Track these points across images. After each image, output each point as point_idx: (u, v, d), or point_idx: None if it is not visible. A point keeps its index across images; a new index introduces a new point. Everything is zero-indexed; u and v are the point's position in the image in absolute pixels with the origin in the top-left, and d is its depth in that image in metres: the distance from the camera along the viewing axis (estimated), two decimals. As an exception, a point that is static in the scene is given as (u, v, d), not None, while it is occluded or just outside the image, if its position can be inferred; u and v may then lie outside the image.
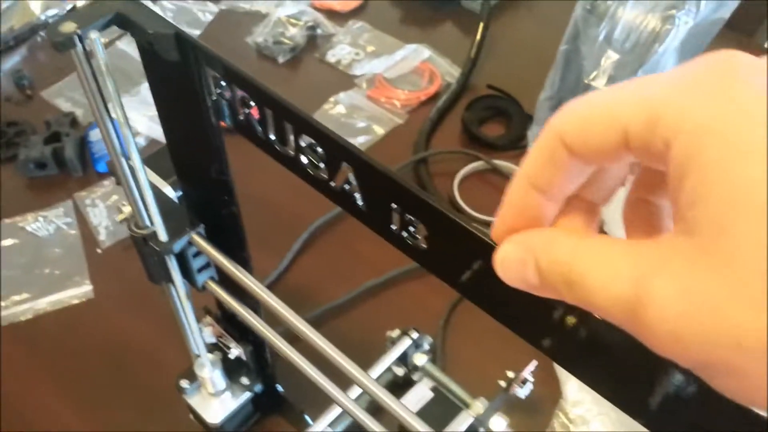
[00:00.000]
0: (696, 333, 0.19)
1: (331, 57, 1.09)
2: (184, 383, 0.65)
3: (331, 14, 1.16)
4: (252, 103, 0.38)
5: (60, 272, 0.82)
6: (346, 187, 0.36)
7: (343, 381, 0.48)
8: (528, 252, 0.24)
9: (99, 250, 0.85)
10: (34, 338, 0.78)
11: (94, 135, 0.92)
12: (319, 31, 1.12)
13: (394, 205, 0.34)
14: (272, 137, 0.38)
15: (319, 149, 0.35)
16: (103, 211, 0.87)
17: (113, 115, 0.41)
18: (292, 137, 0.37)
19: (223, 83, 0.39)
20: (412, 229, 0.34)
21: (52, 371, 0.76)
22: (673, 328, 0.19)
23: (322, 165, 0.36)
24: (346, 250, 0.86)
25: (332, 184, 0.36)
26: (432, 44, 1.10)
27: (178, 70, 0.39)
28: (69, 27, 0.37)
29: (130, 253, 0.84)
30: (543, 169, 0.24)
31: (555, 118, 0.23)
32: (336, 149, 0.34)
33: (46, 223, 0.86)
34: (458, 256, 0.33)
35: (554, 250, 0.23)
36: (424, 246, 0.34)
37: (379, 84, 1.05)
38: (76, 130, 0.94)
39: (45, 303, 0.80)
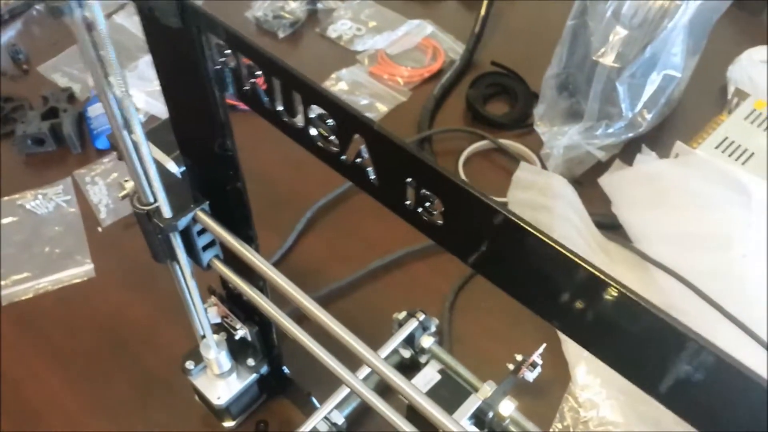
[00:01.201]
0: None
1: (332, 32, 1.07)
2: (190, 364, 0.64)
3: (333, -12, 1.14)
4: (258, 73, 0.36)
5: (60, 251, 0.81)
6: (358, 160, 0.34)
7: (351, 362, 0.47)
8: None
9: (99, 229, 0.84)
10: (35, 317, 0.77)
11: (93, 110, 0.90)
12: (320, 5, 1.10)
13: (409, 180, 0.32)
14: (280, 108, 0.36)
15: (330, 120, 0.34)
16: (103, 188, 0.86)
17: (114, 87, 0.39)
18: (301, 108, 0.35)
19: (228, 51, 0.37)
20: (427, 204, 0.33)
21: (52, 349, 0.74)
22: None
23: (332, 137, 0.35)
24: (350, 230, 0.85)
25: (343, 157, 0.35)
26: (435, 20, 1.08)
27: (180, 37, 0.38)
28: (67, -8, 0.35)
29: (131, 231, 0.83)
30: None
31: None
32: (348, 120, 0.33)
33: (45, 200, 0.85)
34: (475, 232, 0.32)
35: None
36: (440, 222, 0.33)
37: (382, 60, 1.03)
38: (73, 106, 0.92)
39: (46, 282, 0.78)
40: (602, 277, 0.28)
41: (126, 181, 0.52)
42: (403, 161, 0.32)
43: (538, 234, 0.28)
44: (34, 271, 0.79)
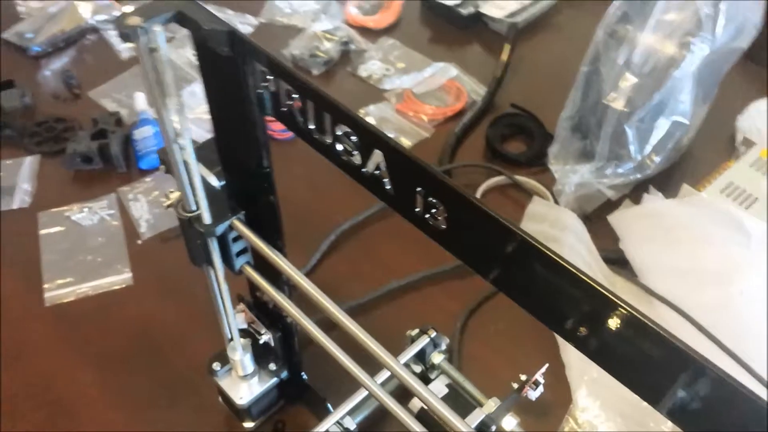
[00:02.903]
0: None
1: (363, 71, 1.14)
2: (216, 366, 0.70)
3: (365, 31, 1.21)
4: (294, 96, 0.42)
5: (102, 259, 0.87)
6: (377, 172, 0.40)
7: (368, 369, 0.52)
8: None
9: (139, 241, 0.90)
10: (75, 318, 0.83)
11: (139, 134, 0.97)
12: (352, 46, 1.17)
13: (418, 189, 0.38)
14: (312, 127, 0.42)
15: (354, 137, 0.40)
16: (145, 205, 0.93)
17: (170, 106, 0.45)
18: (329, 127, 0.41)
19: (269, 77, 0.43)
20: (433, 210, 0.38)
21: (88, 348, 0.80)
22: None
23: (355, 153, 0.41)
24: (370, 253, 0.90)
25: (364, 169, 0.41)
26: (459, 63, 1.15)
27: (228, 63, 0.44)
28: (134, 20, 0.42)
29: (168, 245, 0.89)
30: None
31: None
32: (369, 137, 0.39)
33: (91, 213, 0.92)
34: (474, 235, 0.37)
35: None
36: (444, 227, 0.38)
37: (408, 99, 1.09)
38: (121, 129, 1.00)
39: (87, 287, 0.85)
40: (609, 295, 0.31)
41: (171, 192, 0.57)
42: (414, 172, 0.37)
43: (524, 235, 0.34)
44: (77, 276, 0.86)
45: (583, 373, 0.77)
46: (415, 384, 0.49)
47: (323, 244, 0.89)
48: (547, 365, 0.67)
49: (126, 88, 1.09)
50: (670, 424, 0.50)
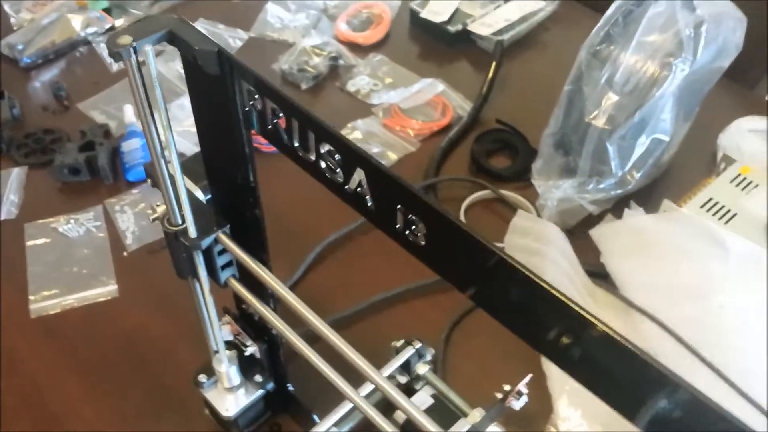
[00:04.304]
0: None
1: (351, 86, 1.15)
2: (202, 377, 0.70)
3: (354, 47, 1.22)
4: (280, 114, 0.43)
5: (87, 271, 0.88)
6: (359, 190, 0.41)
7: (354, 381, 0.53)
8: None
9: (125, 253, 0.91)
10: (61, 330, 0.83)
11: (126, 146, 0.98)
12: (341, 61, 1.19)
13: (399, 206, 0.39)
14: (296, 144, 0.44)
15: (337, 156, 0.41)
16: (131, 217, 0.94)
17: (157, 121, 0.47)
18: (313, 145, 0.42)
19: (256, 96, 0.44)
20: (413, 227, 0.39)
21: (75, 361, 0.81)
22: None
23: (338, 170, 0.42)
24: (356, 266, 0.91)
25: (347, 187, 0.42)
26: (446, 79, 1.16)
27: (217, 82, 0.45)
28: (125, 40, 0.43)
29: (154, 257, 0.90)
30: None
31: None
32: (351, 155, 0.40)
33: (77, 225, 0.93)
34: (452, 252, 0.38)
35: None
36: (423, 243, 0.39)
37: (395, 114, 1.11)
38: (109, 141, 1.01)
39: (72, 299, 0.85)
40: (584, 314, 0.32)
41: (158, 205, 0.58)
42: (394, 190, 0.38)
43: (499, 252, 0.35)
44: (63, 288, 0.86)
45: (564, 383, 0.78)
46: (397, 397, 0.49)
47: (309, 256, 0.90)
48: (530, 375, 0.69)
49: (115, 100, 1.10)
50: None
